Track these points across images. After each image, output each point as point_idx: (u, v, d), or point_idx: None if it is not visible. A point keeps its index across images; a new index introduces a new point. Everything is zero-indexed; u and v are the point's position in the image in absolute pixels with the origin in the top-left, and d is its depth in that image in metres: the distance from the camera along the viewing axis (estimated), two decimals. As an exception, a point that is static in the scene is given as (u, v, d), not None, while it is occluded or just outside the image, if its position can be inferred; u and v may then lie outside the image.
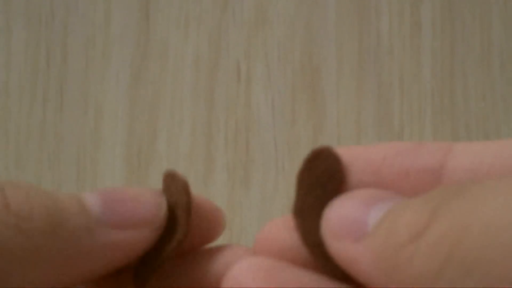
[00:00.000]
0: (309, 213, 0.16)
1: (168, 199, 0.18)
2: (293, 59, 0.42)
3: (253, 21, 0.42)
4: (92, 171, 0.40)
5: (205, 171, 0.40)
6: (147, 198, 0.17)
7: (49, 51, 0.42)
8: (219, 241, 0.19)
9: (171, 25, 0.42)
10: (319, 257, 0.16)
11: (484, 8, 0.42)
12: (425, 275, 0.12)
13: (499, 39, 0.42)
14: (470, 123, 0.41)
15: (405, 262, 0.12)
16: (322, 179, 0.16)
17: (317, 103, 0.41)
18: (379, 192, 0.15)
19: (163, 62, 0.42)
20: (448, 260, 0.12)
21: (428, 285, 0.12)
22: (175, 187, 0.18)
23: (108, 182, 0.40)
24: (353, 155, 0.17)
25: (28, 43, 0.42)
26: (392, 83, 0.42)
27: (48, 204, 0.15)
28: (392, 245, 0.13)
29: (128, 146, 0.41)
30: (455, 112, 0.41)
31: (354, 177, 0.16)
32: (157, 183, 0.43)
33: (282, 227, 0.16)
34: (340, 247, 0.14)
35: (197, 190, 0.42)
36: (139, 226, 0.16)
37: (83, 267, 0.16)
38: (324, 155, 0.17)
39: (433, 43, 0.42)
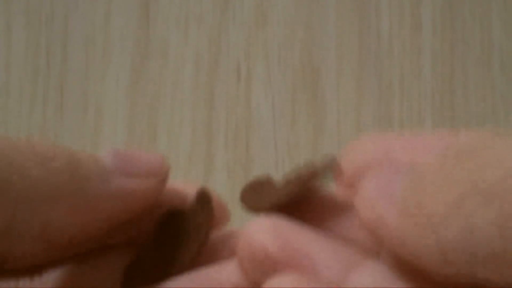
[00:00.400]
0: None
1: (188, 219, 0.19)
2: (293, 59, 0.42)
3: (253, 21, 0.42)
4: (92, 171, 0.40)
5: (205, 171, 0.40)
6: (152, 155, 0.19)
7: (49, 51, 0.42)
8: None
9: (171, 25, 0.42)
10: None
11: (484, 8, 0.42)
12: (447, 207, 0.12)
13: (499, 39, 0.42)
14: (470, 123, 0.41)
15: (428, 201, 0.13)
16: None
17: (317, 103, 0.41)
18: (398, 165, 0.15)
19: (163, 62, 0.42)
20: (469, 192, 0.12)
21: (448, 219, 0.12)
22: (202, 211, 0.19)
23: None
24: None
25: (28, 43, 0.42)
26: (392, 83, 0.42)
27: (69, 153, 0.17)
28: (417, 191, 0.13)
29: (128, 146, 0.41)
30: (455, 112, 0.41)
31: None
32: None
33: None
34: (371, 214, 0.15)
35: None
36: (147, 175, 0.18)
37: (96, 211, 0.17)
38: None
39: (433, 43, 0.42)
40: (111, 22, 0.42)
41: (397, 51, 0.42)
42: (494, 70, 0.42)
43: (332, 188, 0.18)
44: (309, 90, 0.41)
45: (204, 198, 0.19)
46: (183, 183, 0.20)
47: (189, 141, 0.41)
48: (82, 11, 0.42)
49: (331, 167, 0.18)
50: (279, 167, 0.40)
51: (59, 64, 0.42)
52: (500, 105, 0.41)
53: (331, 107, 0.41)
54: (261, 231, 0.16)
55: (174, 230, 0.19)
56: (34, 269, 0.18)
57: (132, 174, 0.18)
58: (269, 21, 0.42)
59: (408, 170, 0.14)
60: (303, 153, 0.40)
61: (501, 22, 0.42)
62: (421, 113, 0.41)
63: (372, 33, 0.42)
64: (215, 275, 0.17)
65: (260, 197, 0.18)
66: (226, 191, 0.40)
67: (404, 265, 0.14)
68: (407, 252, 0.13)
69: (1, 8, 0.42)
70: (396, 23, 0.42)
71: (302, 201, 0.18)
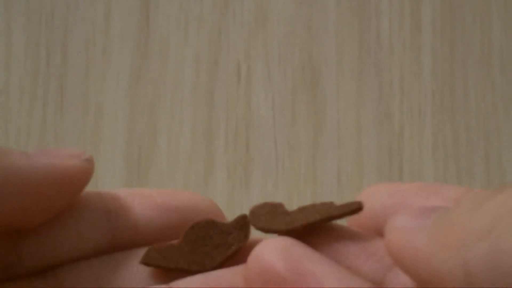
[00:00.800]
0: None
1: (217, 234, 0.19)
2: (293, 59, 0.42)
3: (253, 21, 0.42)
4: (92, 171, 0.40)
5: (205, 171, 0.40)
6: (77, 152, 0.19)
7: (49, 51, 0.42)
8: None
9: (171, 25, 0.42)
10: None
11: (484, 8, 0.42)
12: (475, 235, 0.12)
13: (499, 39, 0.42)
14: (470, 123, 0.41)
15: (458, 227, 0.13)
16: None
17: (317, 103, 0.41)
18: (426, 206, 0.15)
19: (163, 62, 0.42)
20: (499, 221, 0.12)
21: (475, 245, 0.12)
22: (237, 234, 0.20)
23: (108, 182, 0.40)
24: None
25: (28, 43, 0.42)
26: (392, 83, 0.42)
27: None
28: (448, 219, 0.14)
29: (128, 146, 0.41)
30: (455, 112, 0.41)
31: None
32: (157, 183, 0.43)
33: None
34: (399, 237, 0.15)
35: (197, 190, 0.43)
36: (69, 157, 0.19)
37: (24, 188, 0.17)
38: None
39: (433, 43, 0.42)
40: (111, 22, 0.42)
41: (397, 51, 0.42)
42: (494, 70, 0.42)
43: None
44: (309, 90, 0.41)
45: (244, 221, 0.20)
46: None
47: (189, 141, 0.41)
48: (82, 11, 0.42)
49: (352, 213, 0.18)
50: (279, 167, 0.40)
51: (59, 64, 0.42)
52: (500, 105, 0.41)
53: (331, 107, 0.41)
54: (272, 252, 0.16)
55: (205, 238, 0.19)
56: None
57: (53, 156, 0.18)
58: (269, 21, 0.42)
59: (437, 209, 0.15)
60: (303, 153, 0.40)
61: (501, 22, 0.42)
62: (421, 113, 0.41)
63: (372, 33, 0.42)
64: (228, 274, 0.17)
65: (271, 218, 0.18)
66: (226, 191, 0.40)
67: None
68: (431, 273, 0.13)
69: (1, 8, 0.42)
70: (396, 23, 0.42)
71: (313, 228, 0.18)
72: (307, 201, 0.40)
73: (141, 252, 0.19)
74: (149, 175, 0.40)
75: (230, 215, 0.41)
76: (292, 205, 0.41)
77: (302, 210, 0.19)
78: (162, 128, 0.41)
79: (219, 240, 0.19)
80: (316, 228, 0.18)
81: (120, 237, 0.20)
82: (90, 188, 0.20)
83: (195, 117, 0.41)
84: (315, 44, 0.42)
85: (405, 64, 0.42)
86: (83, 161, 0.19)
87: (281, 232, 0.18)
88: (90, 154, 0.19)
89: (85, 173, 0.19)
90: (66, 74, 0.42)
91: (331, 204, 0.18)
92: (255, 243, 0.18)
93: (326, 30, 0.42)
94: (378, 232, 0.18)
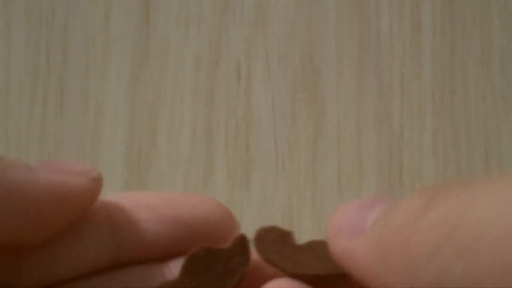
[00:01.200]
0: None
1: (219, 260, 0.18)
2: (293, 59, 0.42)
3: (253, 21, 0.42)
4: (92, 171, 0.40)
5: (205, 171, 0.40)
6: (80, 163, 0.18)
7: (49, 51, 0.42)
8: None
9: (171, 25, 0.42)
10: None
11: (484, 8, 0.42)
12: (419, 257, 0.12)
13: (499, 39, 0.42)
14: (470, 123, 0.41)
15: (400, 245, 0.13)
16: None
17: (317, 103, 0.41)
18: (378, 197, 0.15)
19: (163, 62, 0.42)
20: (443, 243, 0.12)
21: (420, 268, 0.12)
22: (239, 258, 0.19)
23: (108, 182, 0.40)
24: None
25: (28, 43, 0.42)
26: (392, 83, 0.42)
27: None
28: (388, 231, 0.13)
29: (128, 146, 0.41)
30: (455, 112, 0.41)
31: None
32: (157, 183, 0.43)
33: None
34: (339, 243, 0.15)
35: (197, 190, 0.42)
36: (76, 174, 0.17)
37: (25, 205, 0.16)
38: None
39: (433, 43, 0.42)
40: (111, 22, 0.42)
41: (397, 51, 0.42)
42: (494, 70, 0.42)
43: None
44: (309, 90, 0.41)
45: (243, 243, 0.19)
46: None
47: (189, 141, 0.41)
48: (82, 11, 0.42)
49: None
50: (279, 167, 0.40)
51: (59, 64, 0.42)
52: (500, 105, 0.41)
53: (331, 107, 0.41)
54: None
55: (206, 268, 0.18)
56: None
57: (58, 171, 0.17)
58: (269, 21, 0.42)
59: (382, 207, 0.14)
60: (303, 153, 0.40)
61: (501, 22, 0.42)
62: (421, 113, 0.41)
63: (372, 33, 0.42)
64: None
65: (278, 249, 0.18)
66: (226, 191, 0.40)
67: None
68: (380, 284, 0.13)
69: (1, 8, 0.42)
70: (396, 23, 0.42)
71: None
72: (307, 201, 0.40)
73: (143, 269, 0.18)
74: (149, 175, 0.40)
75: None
76: (292, 205, 0.41)
77: (312, 249, 0.18)
78: (162, 128, 0.41)
79: (220, 269, 0.18)
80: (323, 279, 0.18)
81: (125, 253, 0.19)
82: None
83: (195, 117, 0.41)
84: (315, 44, 0.42)
85: (405, 64, 0.42)
86: (91, 179, 0.18)
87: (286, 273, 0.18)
88: (99, 172, 0.18)
89: (92, 193, 0.18)
90: (66, 74, 0.42)
91: None
92: (258, 265, 0.18)
93: (326, 30, 0.42)
94: None
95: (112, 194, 0.20)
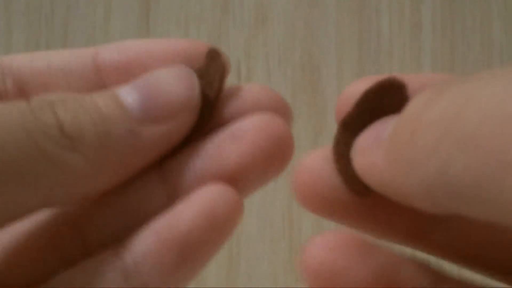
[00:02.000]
0: (352, 129, 0.16)
1: (201, 77, 0.18)
2: (293, 59, 0.42)
3: (253, 21, 0.42)
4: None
5: (205, 171, 0.40)
6: (181, 85, 0.17)
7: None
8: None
9: (171, 25, 0.42)
10: (343, 170, 0.16)
11: (484, 8, 0.42)
12: (426, 147, 0.12)
13: (499, 39, 0.42)
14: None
15: (407, 139, 0.13)
16: (381, 108, 0.16)
17: (317, 103, 0.41)
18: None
19: (163, 62, 0.42)
20: (445, 134, 0.12)
21: (424, 162, 0.12)
22: (213, 66, 0.19)
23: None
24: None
25: (28, 43, 0.42)
26: (392, 83, 0.42)
27: (95, 119, 0.16)
28: (397, 131, 0.13)
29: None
30: (455, 112, 0.41)
31: None
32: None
33: (322, 160, 0.17)
34: (360, 161, 0.15)
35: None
36: (178, 115, 0.17)
37: (132, 164, 0.16)
38: (396, 88, 0.16)
39: (433, 43, 0.42)
40: (111, 22, 0.42)
41: (397, 51, 0.42)
42: (494, 70, 0.42)
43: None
44: (309, 90, 0.41)
45: (214, 54, 0.19)
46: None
47: (189, 141, 0.41)
48: (82, 11, 0.42)
49: None
50: (279, 167, 0.40)
51: (59, 64, 0.42)
52: (500, 105, 0.41)
53: (331, 107, 0.41)
54: (322, 250, 0.15)
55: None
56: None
57: (162, 120, 0.16)
58: (269, 21, 0.42)
59: (395, 116, 0.14)
60: (303, 153, 0.40)
61: (501, 22, 0.42)
62: (421, 113, 0.41)
63: (372, 33, 0.42)
64: None
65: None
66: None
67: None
68: (396, 193, 0.13)
69: (1, 8, 0.42)
70: (396, 23, 0.42)
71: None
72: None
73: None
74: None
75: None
76: (292, 205, 0.41)
77: None
78: (162, 128, 0.41)
79: (202, 85, 0.18)
80: None
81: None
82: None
83: (195, 117, 0.41)
84: (315, 44, 0.42)
85: (405, 64, 0.42)
86: (192, 115, 0.17)
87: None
88: (198, 93, 0.17)
89: (189, 127, 0.17)
90: (66, 74, 0.42)
91: None
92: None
93: (326, 30, 0.42)
94: None
95: None
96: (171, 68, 0.17)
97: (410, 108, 0.13)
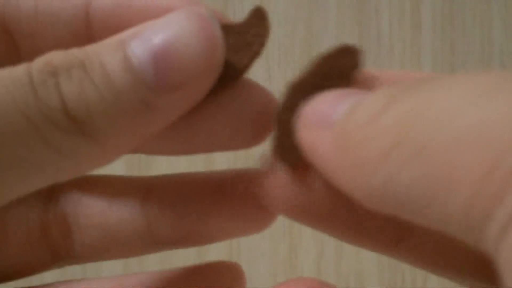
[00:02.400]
0: (301, 92, 0.15)
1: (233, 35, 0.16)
2: (293, 59, 0.42)
3: (253, 21, 0.42)
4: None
5: (206, 170, 0.40)
6: (202, 41, 0.14)
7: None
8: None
9: (171, 25, 0.42)
10: (282, 137, 0.15)
11: (484, 8, 0.42)
12: (376, 155, 0.12)
13: (499, 39, 0.42)
14: (470, 123, 0.41)
15: (359, 142, 0.12)
16: (334, 72, 0.16)
17: (317, 103, 0.41)
18: (351, 90, 0.15)
19: (163, 62, 0.42)
20: (396, 145, 0.11)
21: (372, 172, 0.12)
22: (255, 27, 0.17)
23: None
24: None
25: None
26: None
27: (103, 93, 0.14)
28: (349, 127, 0.13)
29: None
30: (455, 112, 0.41)
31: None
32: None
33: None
34: (306, 134, 0.14)
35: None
36: (196, 81, 0.14)
37: (149, 132, 0.15)
38: (349, 53, 0.16)
39: (433, 43, 0.42)
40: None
41: (397, 51, 0.42)
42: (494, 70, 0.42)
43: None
44: (309, 90, 0.41)
45: (260, 14, 0.17)
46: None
47: (189, 141, 0.41)
48: None
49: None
50: (279, 167, 0.40)
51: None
52: (500, 105, 0.41)
53: (331, 107, 0.41)
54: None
55: (228, 40, 0.16)
56: None
57: (178, 87, 0.14)
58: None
59: (353, 100, 0.14)
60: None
61: (501, 22, 0.42)
62: (421, 113, 0.41)
63: (372, 33, 0.42)
64: None
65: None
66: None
67: None
68: (339, 183, 0.13)
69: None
70: (396, 23, 0.42)
71: None
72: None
73: None
74: (150, 174, 0.40)
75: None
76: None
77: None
78: (162, 128, 0.41)
79: (236, 42, 0.16)
80: None
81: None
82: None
83: (195, 117, 0.41)
84: (315, 44, 0.42)
85: (405, 64, 0.42)
86: (213, 76, 0.15)
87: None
88: (221, 54, 0.15)
89: (210, 85, 0.15)
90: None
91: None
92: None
93: (326, 30, 0.42)
94: None
95: None
96: (188, 14, 0.15)
97: (365, 108, 0.13)
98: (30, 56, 0.15)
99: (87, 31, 0.16)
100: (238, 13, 0.42)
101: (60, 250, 0.18)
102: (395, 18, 0.42)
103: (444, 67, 0.42)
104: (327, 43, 0.42)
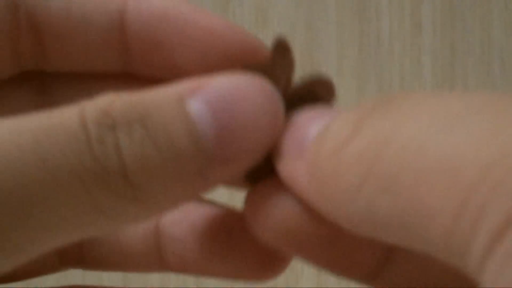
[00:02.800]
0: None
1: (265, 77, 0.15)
2: (293, 59, 0.42)
3: (254, 21, 0.42)
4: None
5: (205, 171, 0.40)
6: (265, 117, 0.13)
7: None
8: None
9: (171, 25, 0.42)
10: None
11: (484, 8, 0.42)
12: (349, 186, 0.12)
13: (499, 39, 0.42)
14: (470, 123, 0.41)
15: (331, 173, 0.12)
16: (309, 97, 0.16)
17: (317, 103, 0.41)
18: (321, 110, 0.14)
19: (163, 62, 0.42)
20: (367, 175, 0.11)
21: (350, 201, 0.12)
22: (280, 65, 0.16)
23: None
24: None
25: None
26: (392, 83, 0.42)
27: (165, 159, 0.12)
28: (320, 157, 0.12)
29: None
30: (455, 112, 0.41)
31: None
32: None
33: None
34: (282, 165, 0.14)
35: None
36: (254, 155, 0.14)
37: (191, 200, 0.14)
38: (325, 85, 0.16)
39: (433, 43, 0.42)
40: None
41: (397, 51, 0.42)
42: (494, 70, 0.42)
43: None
44: (309, 90, 0.41)
45: (283, 49, 0.16)
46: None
47: (189, 141, 0.41)
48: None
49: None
50: (279, 167, 0.40)
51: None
52: (500, 105, 0.41)
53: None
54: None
55: None
56: None
57: (236, 161, 0.13)
58: (269, 21, 0.42)
59: (323, 122, 0.13)
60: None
61: (501, 22, 0.42)
62: (421, 113, 0.41)
63: (372, 33, 0.42)
64: None
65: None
66: (226, 191, 0.40)
67: None
68: (318, 211, 0.13)
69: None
70: (396, 23, 0.42)
71: None
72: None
73: None
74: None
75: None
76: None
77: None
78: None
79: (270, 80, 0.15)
80: None
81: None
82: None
83: (195, 117, 0.41)
84: (315, 44, 0.42)
85: (405, 64, 0.42)
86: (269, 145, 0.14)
87: None
88: (280, 124, 0.14)
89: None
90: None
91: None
92: None
93: (326, 30, 0.42)
94: None
95: None
96: (252, 84, 0.14)
97: (334, 134, 0.12)
98: (56, 57, 0.16)
99: (120, 38, 0.16)
100: (238, 13, 0.42)
101: (69, 255, 0.18)
102: (395, 18, 0.42)
103: (444, 67, 0.42)
104: (327, 43, 0.42)
